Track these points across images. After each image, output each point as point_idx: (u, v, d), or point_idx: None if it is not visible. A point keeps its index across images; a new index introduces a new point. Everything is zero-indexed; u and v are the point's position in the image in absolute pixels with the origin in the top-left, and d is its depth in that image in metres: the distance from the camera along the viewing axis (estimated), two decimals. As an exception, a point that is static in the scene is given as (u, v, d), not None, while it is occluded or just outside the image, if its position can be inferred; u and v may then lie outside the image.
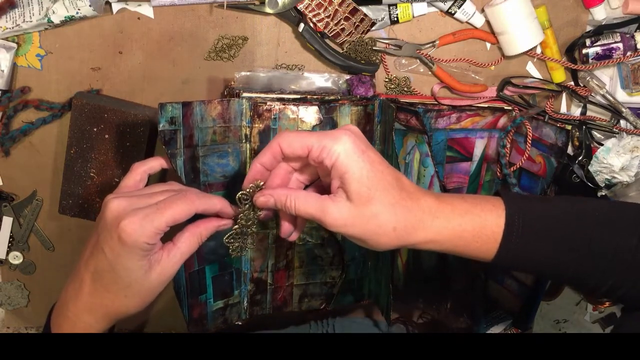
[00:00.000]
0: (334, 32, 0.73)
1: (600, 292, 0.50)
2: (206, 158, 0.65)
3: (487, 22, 0.75)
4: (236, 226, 0.55)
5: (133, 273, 0.48)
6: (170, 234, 0.51)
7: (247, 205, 0.53)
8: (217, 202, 0.52)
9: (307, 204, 0.48)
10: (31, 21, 0.67)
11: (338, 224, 0.47)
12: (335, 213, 0.46)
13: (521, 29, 0.72)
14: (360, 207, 0.46)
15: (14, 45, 0.70)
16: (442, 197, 0.49)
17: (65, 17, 0.67)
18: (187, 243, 0.51)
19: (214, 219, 0.53)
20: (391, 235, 0.47)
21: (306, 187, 0.55)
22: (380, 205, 0.46)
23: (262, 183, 0.52)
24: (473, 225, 0.48)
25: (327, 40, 0.74)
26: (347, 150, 0.46)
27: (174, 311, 0.84)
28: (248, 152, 0.69)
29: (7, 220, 0.79)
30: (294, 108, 0.70)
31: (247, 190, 0.52)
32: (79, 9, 0.67)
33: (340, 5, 0.71)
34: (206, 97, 0.75)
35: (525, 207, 0.49)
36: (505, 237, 0.48)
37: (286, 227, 0.53)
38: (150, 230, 0.46)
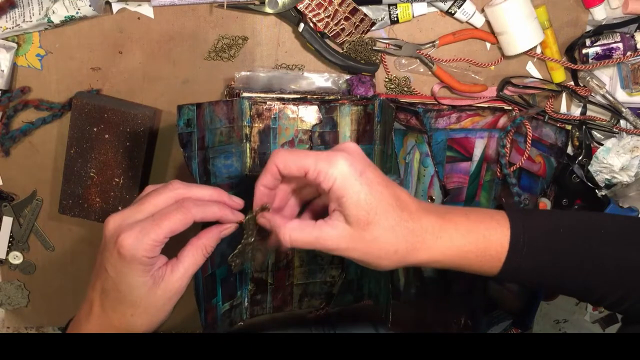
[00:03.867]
0: (334, 32, 0.73)
1: (605, 304, 0.50)
2: (214, 159, 0.65)
3: (487, 22, 0.75)
4: (240, 245, 0.54)
5: (136, 290, 0.47)
6: (178, 247, 0.51)
7: (252, 226, 0.53)
8: (216, 210, 0.51)
9: (303, 234, 0.47)
10: (31, 21, 0.67)
11: (339, 247, 0.46)
12: (335, 238, 0.46)
13: (521, 29, 0.72)
14: (359, 231, 0.46)
15: (14, 45, 0.70)
16: (445, 214, 0.49)
17: (65, 17, 0.67)
18: (190, 257, 0.50)
19: (215, 228, 0.52)
20: (393, 258, 0.47)
21: (306, 205, 0.54)
22: (381, 228, 0.45)
23: (268, 206, 0.51)
24: (477, 246, 0.48)
25: (327, 40, 0.74)
26: (343, 174, 0.45)
27: (181, 319, 0.84)
28: (248, 151, 0.69)
29: (7, 220, 0.78)
30: (294, 107, 0.70)
31: (253, 214, 0.52)
32: (79, 9, 0.67)
33: (340, 5, 0.71)
34: (206, 98, 0.75)
35: (530, 225, 0.49)
36: (509, 257, 0.48)
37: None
38: (148, 244, 0.45)
